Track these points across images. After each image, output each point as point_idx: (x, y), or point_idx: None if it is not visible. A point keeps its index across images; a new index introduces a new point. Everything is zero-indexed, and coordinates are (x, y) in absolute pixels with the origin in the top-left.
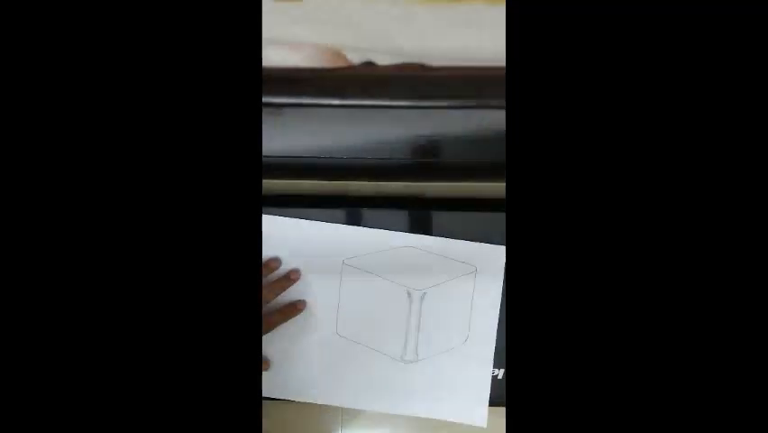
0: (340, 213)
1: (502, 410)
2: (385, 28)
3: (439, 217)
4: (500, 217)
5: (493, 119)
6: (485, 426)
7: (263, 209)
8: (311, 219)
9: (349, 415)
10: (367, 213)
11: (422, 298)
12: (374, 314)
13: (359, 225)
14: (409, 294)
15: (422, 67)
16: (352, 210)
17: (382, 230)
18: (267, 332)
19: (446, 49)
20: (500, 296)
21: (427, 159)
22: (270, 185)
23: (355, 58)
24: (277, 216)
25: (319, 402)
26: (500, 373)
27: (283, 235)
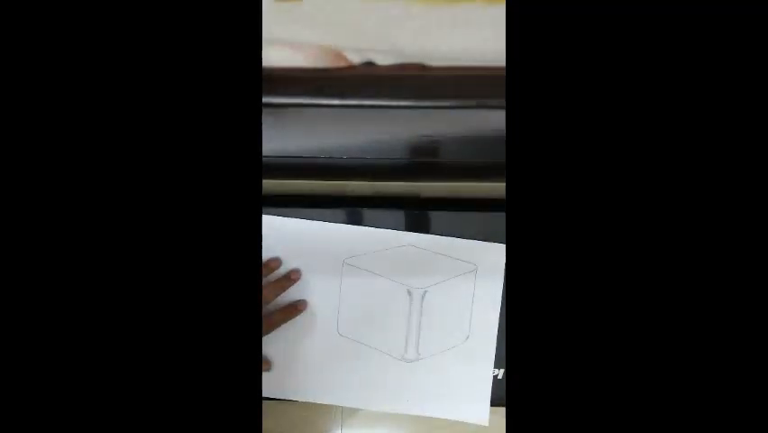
0: (340, 213)
1: (502, 410)
2: (385, 28)
3: (438, 217)
4: (500, 217)
5: (493, 119)
6: (487, 424)
7: (263, 209)
8: (311, 219)
9: (348, 415)
10: (366, 213)
11: (423, 296)
12: (375, 313)
13: (359, 225)
14: (410, 293)
15: (422, 67)
16: (352, 210)
17: (382, 229)
18: (268, 332)
19: (446, 49)
20: (501, 294)
21: (427, 159)
22: (270, 185)
23: (355, 58)
24: (277, 217)
25: (319, 402)
26: (500, 372)
27: (283, 235)
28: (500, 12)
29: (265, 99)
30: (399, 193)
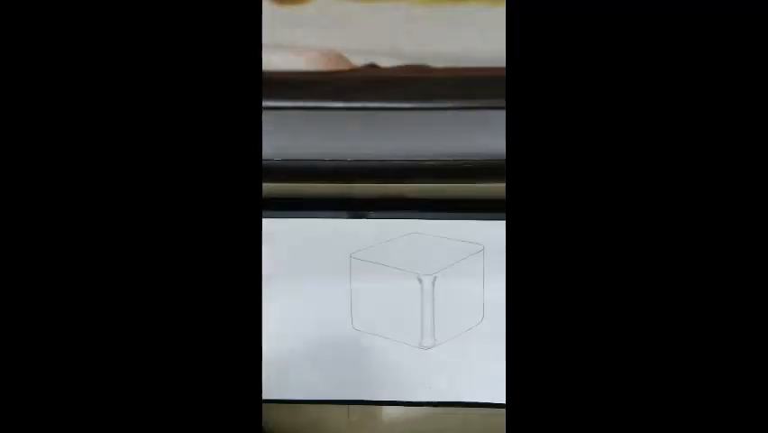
0: (344, 216)
1: (502, 410)
2: (387, 31)
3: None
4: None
5: (493, 119)
6: (504, 401)
7: (266, 212)
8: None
9: (356, 414)
10: (372, 216)
11: (433, 282)
12: (388, 304)
13: None
14: (420, 280)
15: (424, 68)
16: (356, 213)
17: (384, 220)
18: None
19: (447, 50)
20: None
21: (429, 160)
22: (275, 188)
23: (358, 60)
24: (279, 218)
25: (338, 398)
26: None
27: (286, 235)
28: (500, 12)
29: (269, 103)
30: (401, 194)
